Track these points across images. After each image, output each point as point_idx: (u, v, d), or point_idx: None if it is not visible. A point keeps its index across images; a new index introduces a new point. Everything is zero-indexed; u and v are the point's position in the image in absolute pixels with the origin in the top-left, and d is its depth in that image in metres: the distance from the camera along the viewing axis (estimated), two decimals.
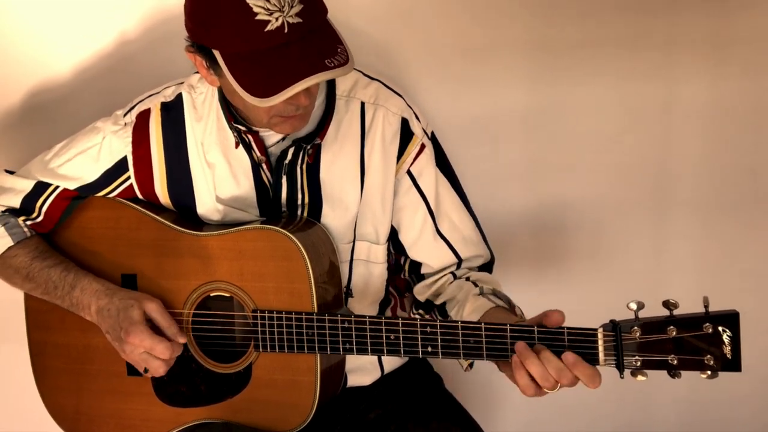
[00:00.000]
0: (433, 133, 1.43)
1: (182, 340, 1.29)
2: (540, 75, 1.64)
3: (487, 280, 1.39)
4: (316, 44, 1.14)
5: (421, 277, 1.44)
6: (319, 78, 1.11)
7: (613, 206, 1.72)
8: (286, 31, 1.11)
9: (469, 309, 1.29)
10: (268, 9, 1.10)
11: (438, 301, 1.40)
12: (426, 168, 1.39)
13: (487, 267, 1.47)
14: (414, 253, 1.43)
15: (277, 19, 1.11)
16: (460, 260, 1.43)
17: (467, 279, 1.39)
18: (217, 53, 1.16)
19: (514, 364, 1.11)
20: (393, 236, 1.42)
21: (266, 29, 1.11)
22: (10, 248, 1.39)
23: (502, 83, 1.64)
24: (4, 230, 1.39)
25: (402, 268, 1.48)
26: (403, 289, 1.53)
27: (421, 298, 1.44)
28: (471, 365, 1.31)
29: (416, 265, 1.44)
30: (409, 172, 1.38)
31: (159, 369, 1.28)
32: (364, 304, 1.43)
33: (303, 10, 1.12)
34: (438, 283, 1.42)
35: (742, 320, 1.07)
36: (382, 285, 1.45)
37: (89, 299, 1.33)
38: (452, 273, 1.42)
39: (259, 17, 1.10)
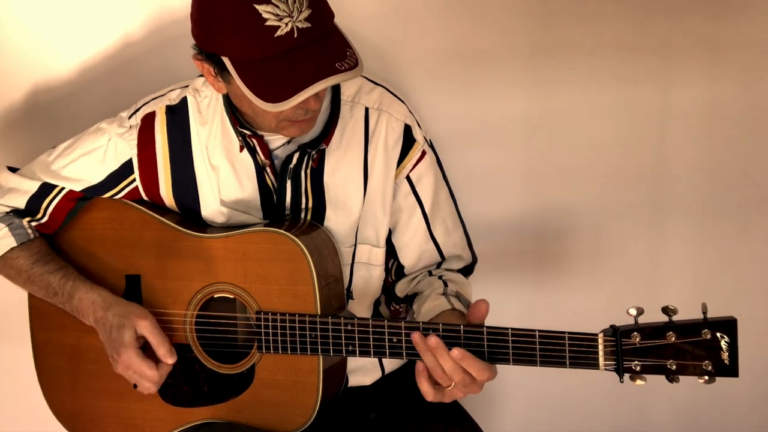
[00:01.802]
0: (430, 140, 1.45)
1: (171, 360, 1.29)
2: (538, 79, 1.65)
3: (457, 281, 1.41)
4: (326, 48, 1.15)
5: (403, 276, 1.47)
6: (330, 82, 1.12)
7: (611, 210, 1.73)
8: (295, 36, 1.12)
9: (427, 307, 1.32)
10: (277, 15, 1.11)
11: (410, 293, 1.44)
12: (425, 175, 1.41)
13: (468, 269, 1.50)
14: (403, 254, 1.45)
15: (286, 24, 1.11)
16: (442, 260, 1.46)
17: (440, 277, 1.42)
18: (226, 60, 1.16)
19: (416, 370, 1.15)
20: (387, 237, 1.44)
21: (276, 35, 1.11)
22: (12, 249, 1.39)
23: (501, 87, 1.65)
24: (8, 230, 1.40)
25: (389, 271, 1.50)
26: (389, 287, 1.55)
27: (401, 294, 1.47)
28: None
29: (401, 266, 1.46)
30: (408, 178, 1.40)
31: (149, 389, 1.30)
32: (362, 306, 1.45)
33: (312, 15, 1.13)
34: (416, 279, 1.45)
35: (739, 322, 1.09)
36: (379, 286, 1.46)
37: (87, 310, 1.34)
38: (429, 270, 1.45)
39: (268, 23, 1.10)
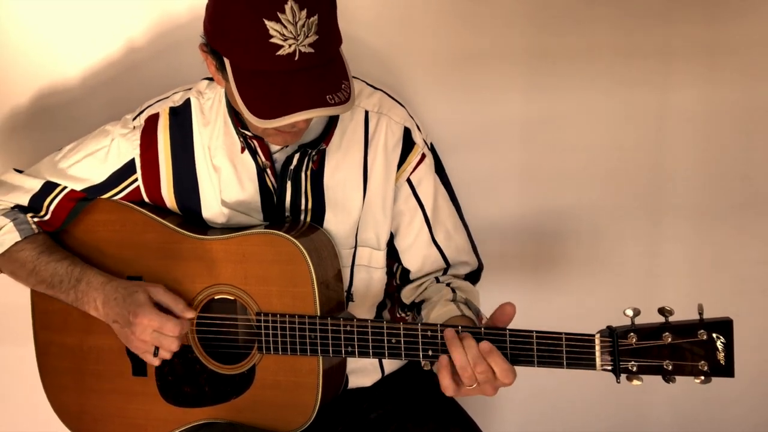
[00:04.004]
0: (432, 143, 1.46)
1: (190, 314, 1.31)
2: (537, 83, 1.66)
3: (465, 289, 1.42)
4: (322, 77, 1.15)
5: (409, 281, 1.47)
6: (317, 113, 1.13)
7: (609, 212, 1.74)
8: (296, 58, 1.13)
9: (436, 312, 1.32)
10: (283, 35, 1.11)
11: (417, 300, 1.44)
12: (425, 177, 1.41)
13: (474, 275, 1.50)
14: (406, 258, 1.45)
15: (290, 45, 1.12)
16: (447, 266, 1.46)
17: (448, 284, 1.42)
18: (227, 61, 1.17)
19: (439, 364, 1.15)
20: (388, 241, 1.45)
21: (277, 53, 1.12)
22: (17, 243, 1.40)
23: (500, 91, 1.66)
24: (12, 225, 1.41)
25: (394, 275, 1.50)
26: (393, 293, 1.56)
27: (407, 300, 1.47)
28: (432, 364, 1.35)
29: (406, 271, 1.47)
30: (408, 181, 1.41)
31: (171, 345, 1.28)
32: (364, 308, 1.46)
33: (317, 42, 1.13)
34: (422, 286, 1.45)
35: (735, 323, 1.10)
36: (381, 289, 1.47)
37: (95, 292, 1.34)
38: (436, 277, 1.45)
39: (273, 40, 1.11)
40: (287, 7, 1.11)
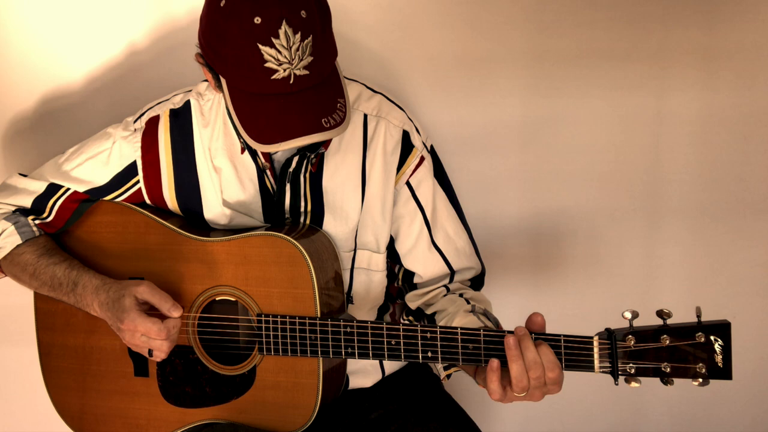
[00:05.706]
0: (432, 146, 1.46)
1: (176, 313, 1.29)
2: (536, 86, 1.66)
3: (480, 299, 1.42)
4: (317, 99, 1.16)
5: (414, 287, 1.47)
6: (312, 139, 1.14)
7: (607, 214, 1.74)
8: (291, 82, 1.14)
9: (457, 323, 1.32)
10: (278, 60, 1.12)
11: (429, 311, 1.43)
12: (424, 180, 1.42)
13: (478, 279, 1.50)
14: (408, 262, 1.45)
15: (284, 70, 1.13)
16: (452, 272, 1.46)
17: (461, 295, 1.42)
18: (223, 81, 1.19)
19: (489, 367, 1.14)
20: (389, 244, 1.45)
21: (272, 77, 1.13)
22: (18, 246, 1.41)
23: (499, 94, 1.67)
24: (14, 228, 1.42)
25: (396, 277, 1.51)
26: (395, 296, 1.56)
27: (413, 305, 1.47)
28: (448, 377, 1.35)
29: (409, 275, 1.47)
30: (408, 183, 1.41)
31: (162, 348, 1.28)
32: (363, 311, 1.46)
33: (312, 63, 1.14)
34: (431, 294, 1.45)
35: (733, 325, 1.11)
36: (381, 292, 1.48)
37: (91, 297, 1.35)
38: (445, 286, 1.45)
39: (267, 65, 1.12)
40: (281, 32, 1.11)
